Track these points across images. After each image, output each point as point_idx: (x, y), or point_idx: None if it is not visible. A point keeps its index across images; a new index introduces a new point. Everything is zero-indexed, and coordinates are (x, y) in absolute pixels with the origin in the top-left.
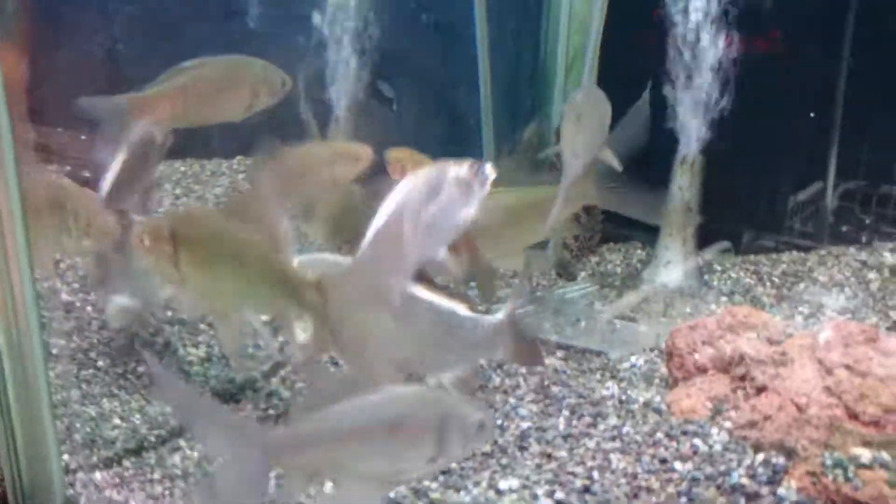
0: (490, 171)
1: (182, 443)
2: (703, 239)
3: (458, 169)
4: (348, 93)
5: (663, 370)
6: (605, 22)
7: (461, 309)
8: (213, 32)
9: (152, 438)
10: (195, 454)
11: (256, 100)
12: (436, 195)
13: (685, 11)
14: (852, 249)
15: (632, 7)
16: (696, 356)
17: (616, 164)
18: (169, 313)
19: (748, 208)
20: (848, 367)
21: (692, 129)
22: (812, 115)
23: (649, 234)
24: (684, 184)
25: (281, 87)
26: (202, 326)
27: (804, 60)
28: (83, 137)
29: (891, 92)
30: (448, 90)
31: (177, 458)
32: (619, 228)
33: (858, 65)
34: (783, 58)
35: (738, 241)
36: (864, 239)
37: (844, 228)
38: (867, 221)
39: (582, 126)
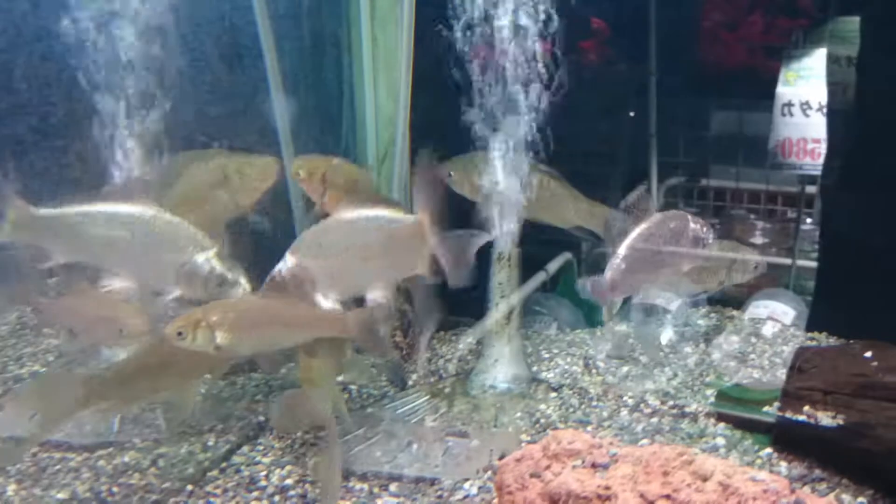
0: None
1: None
2: (545, 256)
3: (695, 224)
4: None
5: (496, 503)
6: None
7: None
8: None
9: None
10: None
11: None
12: (680, 236)
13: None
14: (679, 302)
15: (435, 98)
16: (526, 493)
17: None
18: None
19: None
20: (668, 498)
21: (506, 226)
22: (632, 126)
23: (479, 317)
24: (503, 279)
25: None
26: None
27: (616, 79)
28: None
29: (691, 98)
30: None
31: None
32: (448, 315)
33: (662, 78)
34: (597, 81)
35: (578, 251)
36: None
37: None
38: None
39: None
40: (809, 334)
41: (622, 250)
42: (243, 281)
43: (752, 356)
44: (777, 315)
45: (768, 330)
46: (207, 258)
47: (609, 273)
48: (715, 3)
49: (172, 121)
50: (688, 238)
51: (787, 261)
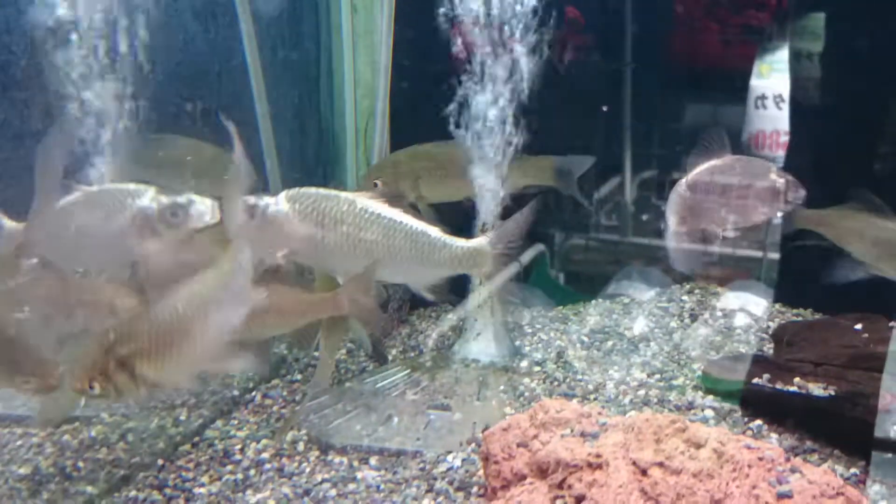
0: None
1: None
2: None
3: (780, 176)
4: None
5: (481, 474)
6: (391, 81)
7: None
8: None
9: None
10: None
11: None
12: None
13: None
14: (652, 293)
15: (416, 65)
16: (513, 463)
17: None
18: None
19: (555, 210)
20: (661, 466)
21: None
22: (605, 118)
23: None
24: None
25: None
26: None
27: (594, 71)
28: None
29: (666, 91)
30: None
31: None
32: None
33: (638, 70)
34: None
35: (551, 243)
36: (662, 226)
37: (644, 217)
38: (662, 208)
39: None
40: (794, 310)
41: (687, 178)
42: (198, 200)
43: (738, 331)
44: (749, 306)
45: (740, 321)
46: (151, 197)
47: (673, 196)
48: None
49: (141, 79)
50: (766, 187)
51: (759, 254)
